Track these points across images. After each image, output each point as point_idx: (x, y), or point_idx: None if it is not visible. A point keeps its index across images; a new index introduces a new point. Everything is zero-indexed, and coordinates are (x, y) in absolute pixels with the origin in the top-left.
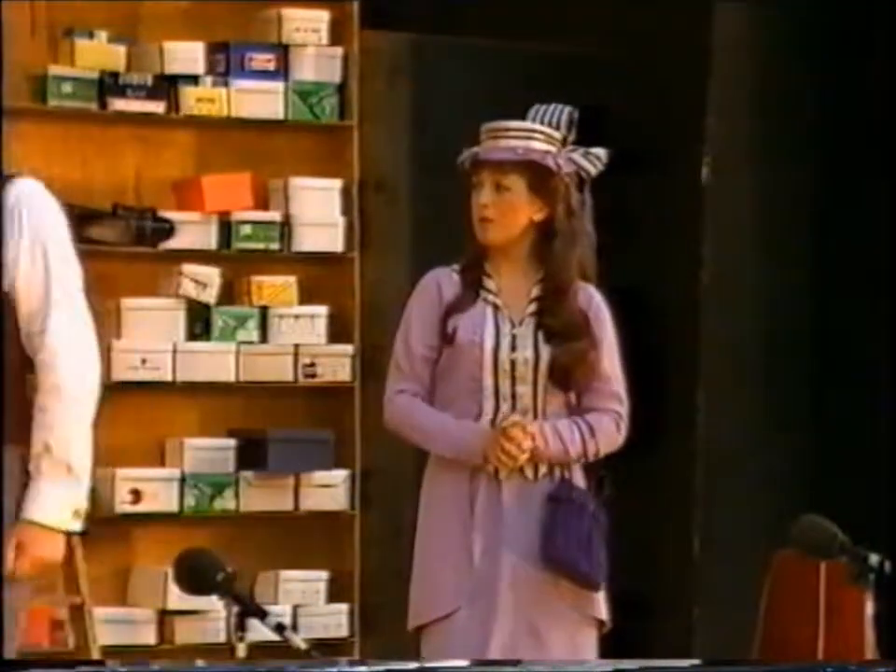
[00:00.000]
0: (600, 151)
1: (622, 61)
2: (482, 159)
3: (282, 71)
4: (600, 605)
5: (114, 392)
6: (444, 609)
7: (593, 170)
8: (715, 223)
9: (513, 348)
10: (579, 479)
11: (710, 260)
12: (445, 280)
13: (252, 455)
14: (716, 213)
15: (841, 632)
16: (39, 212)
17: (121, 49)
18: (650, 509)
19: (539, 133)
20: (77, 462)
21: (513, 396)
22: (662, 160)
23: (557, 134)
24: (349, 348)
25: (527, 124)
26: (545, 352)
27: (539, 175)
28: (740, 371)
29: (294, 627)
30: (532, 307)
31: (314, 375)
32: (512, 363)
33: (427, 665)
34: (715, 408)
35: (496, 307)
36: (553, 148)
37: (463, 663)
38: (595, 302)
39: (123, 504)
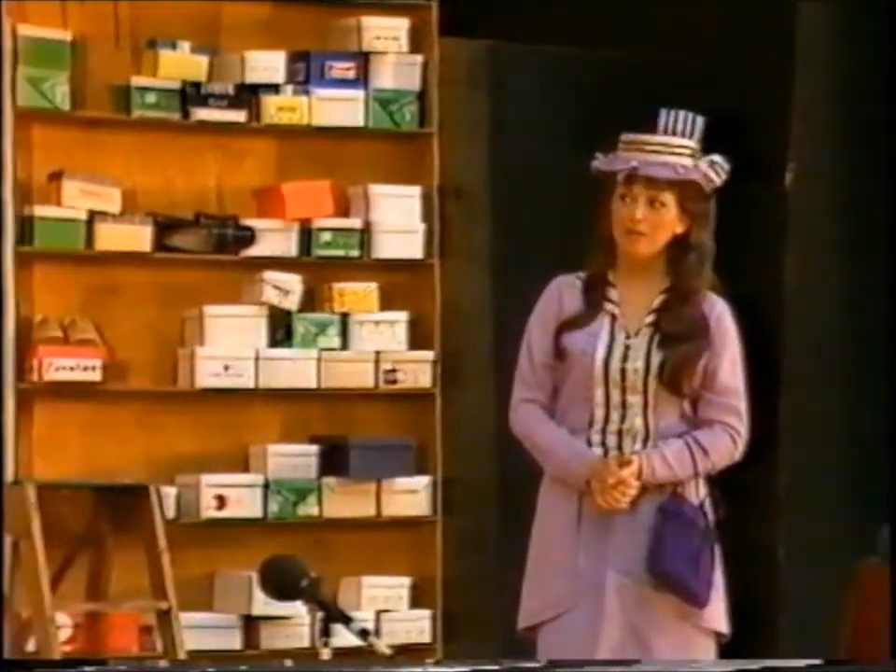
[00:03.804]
0: (722, 160)
1: (702, 66)
2: (641, 174)
3: (362, 79)
4: (713, 616)
5: (197, 399)
6: (552, 612)
7: (718, 181)
8: (799, 228)
9: (625, 358)
10: (692, 493)
11: (794, 265)
12: (568, 288)
13: (334, 461)
14: (800, 218)
15: None
16: None
17: (203, 60)
18: (733, 517)
19: (687, 149)
20: None
21: (624, 405)
22: (746, 165)
23: (696, 147)
24: (430, 354)
25: (678, 140)
26: (657, 358)
27: (690, 193)
28: (823, 374)
29: (377, 633)
30: (651, 317)
31: (394, 381)
32: (623, 373)
33: (514, 664)
34: (798, 415)
35: (613, 317)
36: (694, 163)
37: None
38: (717, 312)
39: (208, 510)
